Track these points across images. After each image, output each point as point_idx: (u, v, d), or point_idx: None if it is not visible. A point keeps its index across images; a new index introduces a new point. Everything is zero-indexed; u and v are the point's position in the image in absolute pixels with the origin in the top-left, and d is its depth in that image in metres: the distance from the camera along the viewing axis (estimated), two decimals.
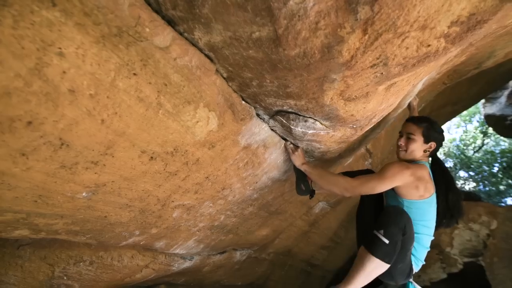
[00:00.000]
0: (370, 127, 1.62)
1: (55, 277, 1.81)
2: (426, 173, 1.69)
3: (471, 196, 7.14)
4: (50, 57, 0.71)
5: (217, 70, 1.19)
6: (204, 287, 3.75)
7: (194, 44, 1.05)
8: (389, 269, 1.59)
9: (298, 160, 1.84)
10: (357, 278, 1.58)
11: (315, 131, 1.44)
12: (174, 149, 1.25)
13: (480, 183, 11.21)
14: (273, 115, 1.47)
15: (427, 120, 1.79)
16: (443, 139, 1.83)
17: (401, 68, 0.88)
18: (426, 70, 1.27)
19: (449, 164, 11.44)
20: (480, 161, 10.48)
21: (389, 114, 2.35)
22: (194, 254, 2.58)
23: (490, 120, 8.16)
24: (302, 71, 0.93)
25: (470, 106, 7.75)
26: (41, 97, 0.75)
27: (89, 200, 1.21)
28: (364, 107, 1.15)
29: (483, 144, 10.74)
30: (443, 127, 8.42)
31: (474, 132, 11.14)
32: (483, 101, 8.83)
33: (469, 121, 11.42)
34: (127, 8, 0.84)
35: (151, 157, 1.21)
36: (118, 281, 2.21)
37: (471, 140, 11.11)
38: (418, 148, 1.75)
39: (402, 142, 1.80)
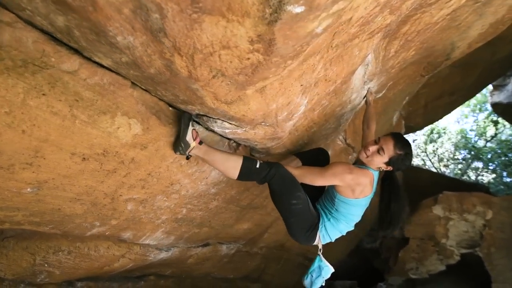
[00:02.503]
0: (290, 123, 1.80)
1: (37, 264, 2.14)
2: (368, 180, 1.76)
3: (477, 187, 6.96)
4: None
5: (134, 83, 1.44)
6: (194, 279, 4.01)
7: (102, 66, 1.31)
8: (284, 215, 1.91)
9: None
10: (218, 156, 1.73)
11: (230, 130, 1.65)
12: (104, 151, 1.52)
13: (501, 174, 10.73)
14: (197, 117, 1.71)
15: (406, 150, 1.76)
16: (403, 169, 1.87)
17: (243, 76, 1.09)
18: (314, 72, 1.45)
19: (460, 155, 11.11)
20: (493, 152, 10.07)
21: (334, 110, 2.51)
22: (168, 245, 2.85)
23: (497, 108, 7.91)
24: (171, 84, 1.16)
25: (471, 96, 7.56)
26: None
27: (37, 194, 1.49)
28: (249, 108, 1.35)
29: (495, 134, 10.34)
30: (447, 117, 8.20)
31: (485, 122, 10.74)
32: (491, 89, 8.55)
33: (480, 110, 11.03)
34: (31, 44, 1.10)
35: (83, 158, 1.48)
36: (97, 269, 2.52)
37: (482, 130, 10.71)
38: (378, 162, 1.78)
39: (371, 149, 1.78)
